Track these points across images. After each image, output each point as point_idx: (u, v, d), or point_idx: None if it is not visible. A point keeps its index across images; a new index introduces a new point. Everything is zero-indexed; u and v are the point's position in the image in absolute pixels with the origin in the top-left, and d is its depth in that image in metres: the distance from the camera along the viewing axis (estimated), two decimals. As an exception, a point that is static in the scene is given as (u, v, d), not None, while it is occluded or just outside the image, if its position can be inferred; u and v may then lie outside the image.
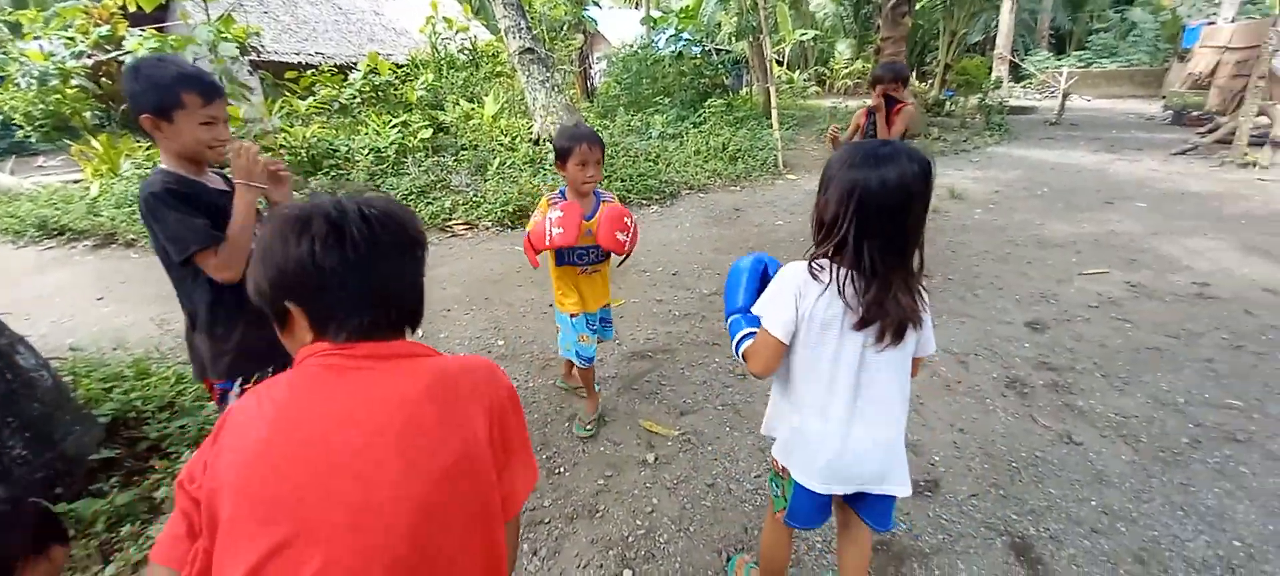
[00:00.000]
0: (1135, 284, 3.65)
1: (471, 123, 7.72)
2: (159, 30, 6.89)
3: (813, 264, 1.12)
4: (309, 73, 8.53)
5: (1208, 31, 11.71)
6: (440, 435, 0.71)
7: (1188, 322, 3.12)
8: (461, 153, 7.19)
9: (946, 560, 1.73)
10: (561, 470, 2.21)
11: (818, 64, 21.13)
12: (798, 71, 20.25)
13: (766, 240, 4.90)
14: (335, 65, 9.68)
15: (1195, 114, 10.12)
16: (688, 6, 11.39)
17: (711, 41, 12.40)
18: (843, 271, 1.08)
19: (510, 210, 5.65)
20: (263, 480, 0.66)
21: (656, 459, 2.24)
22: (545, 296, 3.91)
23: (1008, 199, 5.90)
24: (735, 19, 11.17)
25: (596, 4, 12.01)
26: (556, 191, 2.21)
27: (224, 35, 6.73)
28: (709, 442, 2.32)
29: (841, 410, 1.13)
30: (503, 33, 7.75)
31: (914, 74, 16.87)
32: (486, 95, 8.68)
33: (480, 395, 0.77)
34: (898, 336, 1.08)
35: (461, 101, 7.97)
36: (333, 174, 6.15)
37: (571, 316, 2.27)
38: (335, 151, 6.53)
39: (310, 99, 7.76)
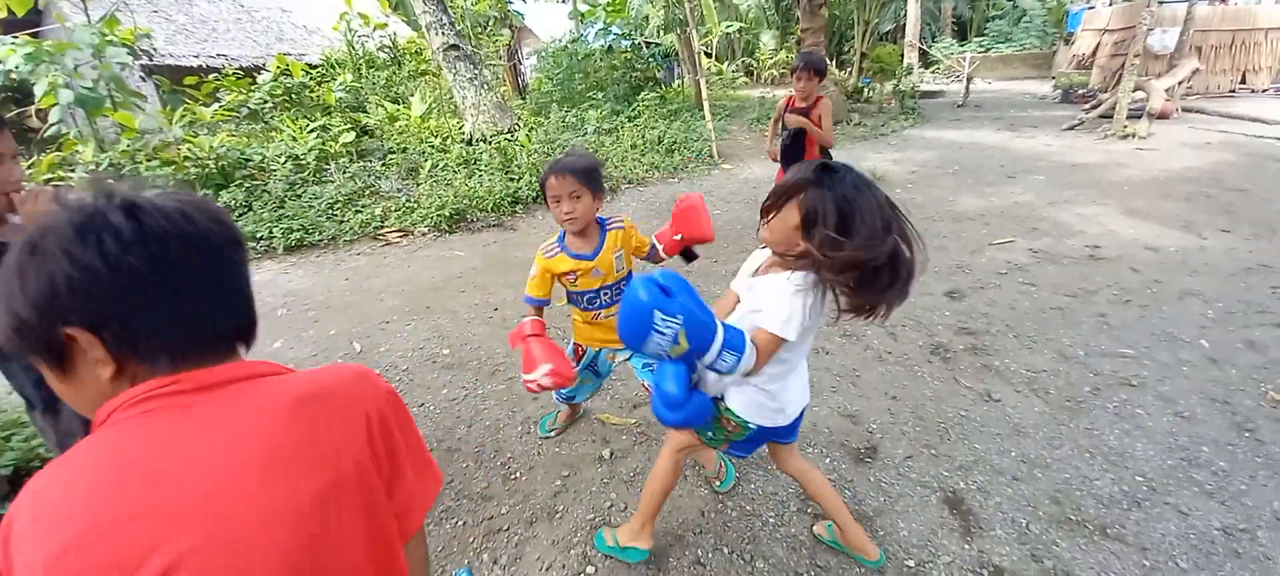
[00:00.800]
0: (1037, 250, 4.01)
1: (398, 124, 7.40)
2: (33, 36, 6.19)
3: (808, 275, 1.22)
4: (211, 77, 7.89)
5: (1088, 16, 12.92)
6: (310, 462, 0.60)
7: (1083, 282, 3.46)
8: (390, 156, 6.89)
9: (888, 520, 1.85)
10: (518, 475, 2.19)
11: (744, 55, 21.69)
12: (726, 63, 20.71)
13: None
14: (241, 67, 8.99)
15: (1081, 92, 11.16)
16: (614, 0, 11.38)
17: (641, 35, 12.46)
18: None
19: (446, 215, 5.48)
20: None
21: (612, 453, 2.26)
22: (490, 300, 3.84)
23: (924, 178, 6.30)
24: (662, 12, 11.29)
25: (521, -2, 11.76)
26: (554, 239, 1.86)
27: (109, 38, 6.13)
28: (662, 431, 2.36)
29: (804, 367, 1.48)
30: (424, 29, 7.48)
31: (834, 62, 17.66)
32: (412, 95, 8.34)
33: (353, 407, 0.67)
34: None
35: (385, 103, 7.61)
36: (247, 186, 5.74)
37: (573, 345, 2.05)
38: (247, 161, 6.09)
39: (216, 105, 7.18)
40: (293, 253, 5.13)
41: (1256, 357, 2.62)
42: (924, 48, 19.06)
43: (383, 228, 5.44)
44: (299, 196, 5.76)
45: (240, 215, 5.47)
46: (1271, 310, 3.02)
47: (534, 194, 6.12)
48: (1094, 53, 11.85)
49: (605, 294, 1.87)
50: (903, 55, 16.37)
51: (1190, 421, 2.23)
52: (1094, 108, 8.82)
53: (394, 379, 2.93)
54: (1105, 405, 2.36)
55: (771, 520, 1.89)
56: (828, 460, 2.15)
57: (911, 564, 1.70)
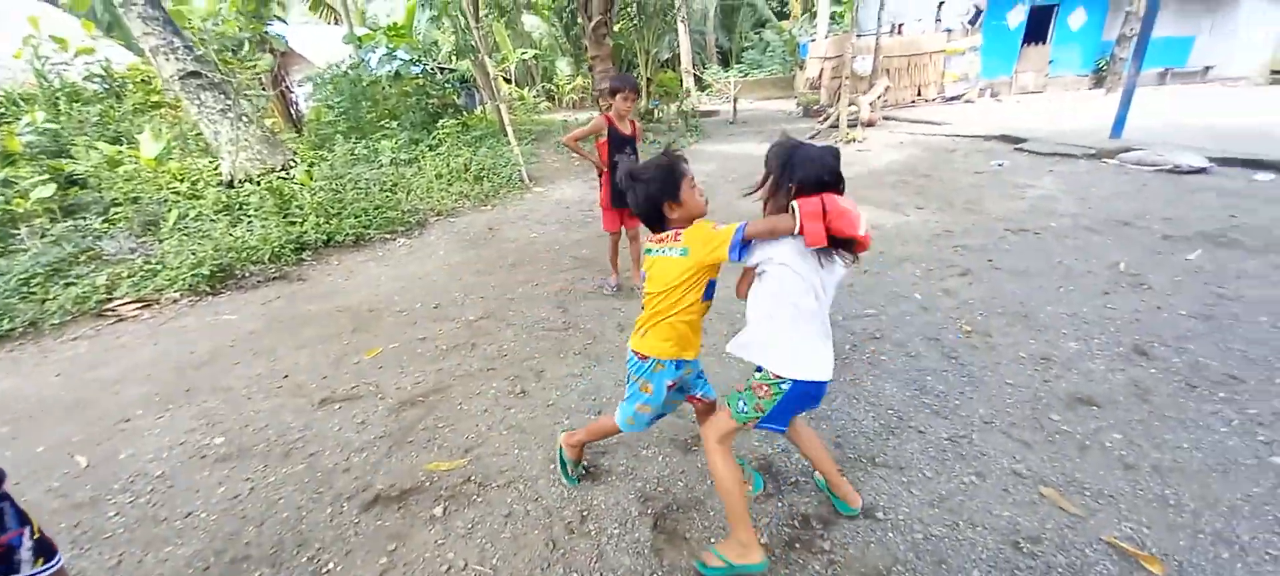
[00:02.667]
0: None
1: (122, 170, 5.95)
2: None
3: None
4: None
5: (813, 46, 15.89)
6: None
7: (837, 261, 4.24)
8: (114, 210, 5.53)
9: (714, 499, 2.04)
10: (332, 566, 1.91)
11: (544, 81, 22.13)
12: (527, 88, 20.86)
13: (526, 254, 4.97)
14: None
15: (816, 108, 13.66)
16: (397, 24, 10.71)
17: (433, 61, 11.89)
18: None
19: (206, 273, 4.57)
20: None
21: (446, 510, 2.11)
22: (277, 367, 3.30)
23: (710, 186, 7.11)
24: (453, 38, 10.94)
25: (281, 19, 10.39)
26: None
27: None
28: (498, 472, 2.28)
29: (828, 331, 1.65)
30: (149, 54, 6.17)
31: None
32: (141, 132, 6.78)
33: None
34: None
35: (99, 144, 6.07)
36: None
37: (667, 364, 1.70)
38: None
39: None
40: (-36, 352, 3.80)
41: (951, 301, 3.48)
42: (698, 73, 21.50)
43: (111, 301, 4.33)
44: (-36, 277, 4.29)
45: None
46: (955, 264, 4.04)
47: (325, 237, 5.44)
48: (820, 76, 14.60)
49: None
50: (682, 80, 18.27)
51: (917, 358, 2.87)
52: (826, 120, 10.86)
53: (144, 492, 2.35)
54: (861, 357, 2.92)
55: (615, 532, 1.94)
56: (660, 456, 2.29)
57: (738, 531, 1.89)
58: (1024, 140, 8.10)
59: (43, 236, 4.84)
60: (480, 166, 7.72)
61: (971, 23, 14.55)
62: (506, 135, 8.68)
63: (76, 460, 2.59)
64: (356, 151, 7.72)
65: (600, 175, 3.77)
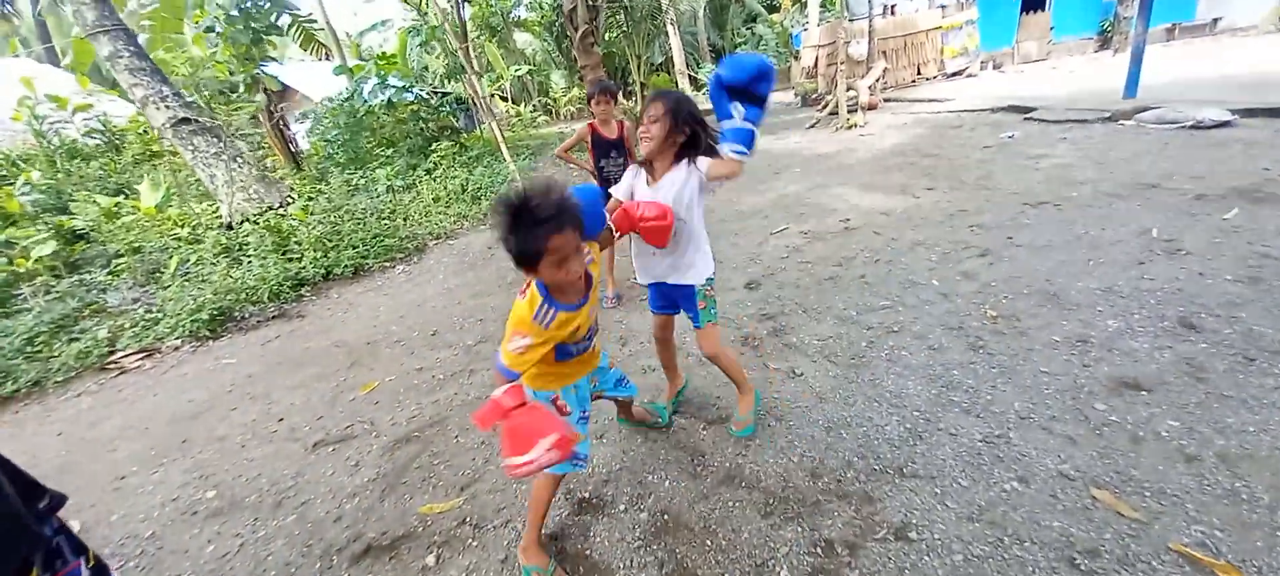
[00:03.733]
0: (807, 232, 4.61)
1: (123, 221, 5.96)
2: None
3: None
4: None
5: (805, 35, 15.67)
6: None
7: (844, 252, 4.05)
8: (117, 261, 5.52)
9: (730, 524, 1.87)
10: (322, 624, 1.78)
11: (540, 95, 22.16)
12: (523, 104, 20.90)
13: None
14: None
15: (814, 96, 13.42)
16: (386, 53, 10.73)
17: (427, 86, 11.90)
18: None
19: (205, 317, 4.51)
20: None
21: (439, 558, 1.96)
22: (271, 411, 3.20)
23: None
24: (445, 61, 10.95)
25: (273, 59, 10.45)
26: (534, 303, 1.46)
27: None
28: (495, 511, 2.13)
29: None
30: (139, 105, 6.18)
31: (622, 92, 18.86)
32: (140, 183, 6.80)
33: None
34: None
35: (98, 198, 6.08)
36: None
37: (554, 398, 1.71)
38: None
39: None
40: (-33, 419, 3.76)
41: (971, 285, 3.27)
42: (692, 73, 21.36)
43: (114, 353, 4.28)
44: (-36, 343, 4.27)
45: None
46: (973, 244, 3.82)
47: (323, 272, 5.38)
48: (815, 64, 14.37)
49: (594, 324, 1.73)
50: (676, 82, 18.12)
51: (940, 351, 2.67)
52: (824, 108, 10.64)
53: (134, 553, 2.24)
54: (879, 355, 2.72)
55: (621, 571, 1.78)
56: (666, 481, 2.12)
57: (756, 561, 1.72)
58: (1033, 109, 7.81)
59: (47, 293, 4.83)
60: (477, 186, 7.64)
61: (967, -4, 14.25)
62: (502, 154, 8.60)
63: (72, 524, 2.49)
64: (354, 182, 7.68)
65: (595, 181, 3.75)
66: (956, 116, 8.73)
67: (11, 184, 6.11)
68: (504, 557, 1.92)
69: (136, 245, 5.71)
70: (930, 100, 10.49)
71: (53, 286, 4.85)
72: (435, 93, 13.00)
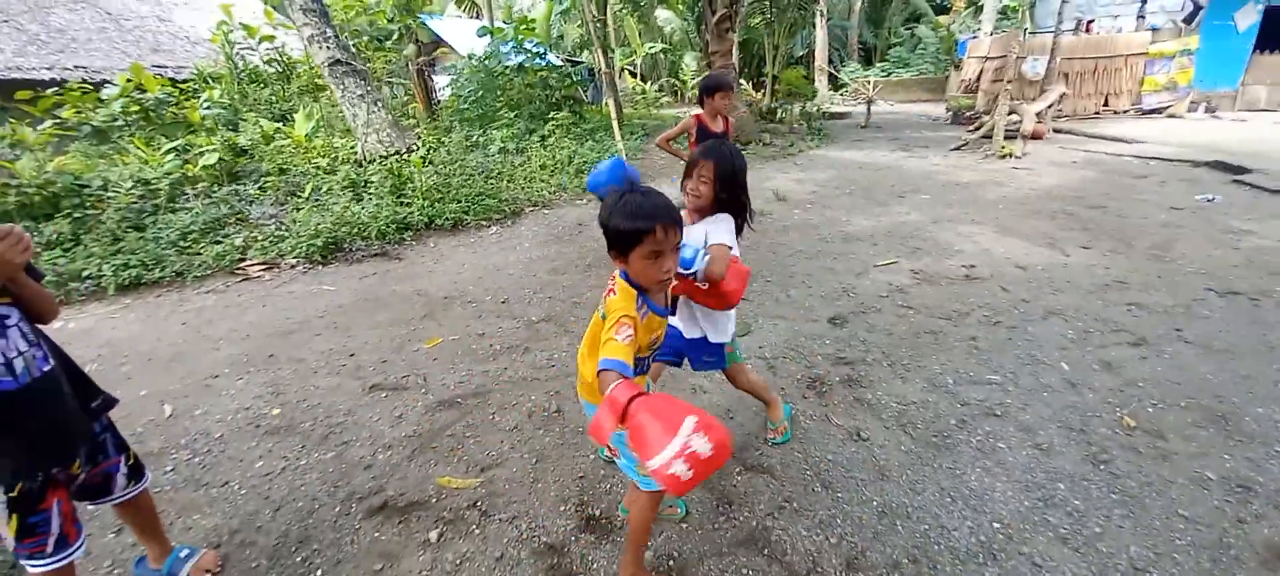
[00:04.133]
0: (918, 271, 4.06)
1: (275, 145, 6.74)
2: None
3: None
4: (51, 92, 6.90)
5: (972, 44, 14.00)
6: None
7: (957, 304, 3.50)
8: (266, 179, 6.25)
9: (738, 598, 1.65)
10: (320, 572, 1.82)
11: (670, 75, 22.06)
12: (650, 82, 20.94)
13: (603, 256, 4.77)
14: (86, 82, 7.96)
15: (968, 114, 12.00)
16: (525, 18, 11.13)
17: (561, 53, 12.25)
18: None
19: (320, 244, 4.96)
20: None
21: (441, 537, 1.94)
22: (347, 344, 3.42)
23: (822, 198, 6.41)
24: (580, 30, 11.17)
25: (431, 14, 11.27)
26: (628, 297, 1.35)
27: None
28: (506, 504, 2.07)
29: None
30: (306, 43, 6.90)
31: (751, 84, 18.21)
32: (298, 113, 7.67)
33: None
34: None
35: (262, 121, 6.93)
36: (76, 216, 4.96)
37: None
38: (83, 188, 5.29)
39: (48, 124, 6.25)
40: (128, 292, 4.46)
41: (1112, 379, 2.67)
42: (833, 71, 20.06)
43: (243, 261, 4.85)
44: (143, 227, 5.05)
45: (65, 250, 4.72)
46: (1126, 328, 3.14)
47: (427, 220, 5.70)
48: (978, 78, 12.81)
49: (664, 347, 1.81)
50: (812, 77, 17.12)
51: (1048, 454, 2.19)
52: (977, 129, 9.43)
53: (201, 451, 2.47)
54: (970, 439, 2.30)
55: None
56: (694, 512, 1.93)
57: (755, 654, 1.49)
58: (1247, 170, 6.33)
59: (207, 198, 5.58)
60: (583, 160, 7.71)
61: (1187, 21, 11.91)
62: (614, 131, 8.62)
63: (164, 409, 2.84)
64: (473, 139, 8.08)
65: None
66: (1142, 163, 7.34)
67: (198, 98, 7.16)
68: (500, 555, 1.85)
69: (283, 167, 6.43)
70: (1113, 139, 8.93)
71: (213, 193, 5.60)
72: (569, 61, 13.38)
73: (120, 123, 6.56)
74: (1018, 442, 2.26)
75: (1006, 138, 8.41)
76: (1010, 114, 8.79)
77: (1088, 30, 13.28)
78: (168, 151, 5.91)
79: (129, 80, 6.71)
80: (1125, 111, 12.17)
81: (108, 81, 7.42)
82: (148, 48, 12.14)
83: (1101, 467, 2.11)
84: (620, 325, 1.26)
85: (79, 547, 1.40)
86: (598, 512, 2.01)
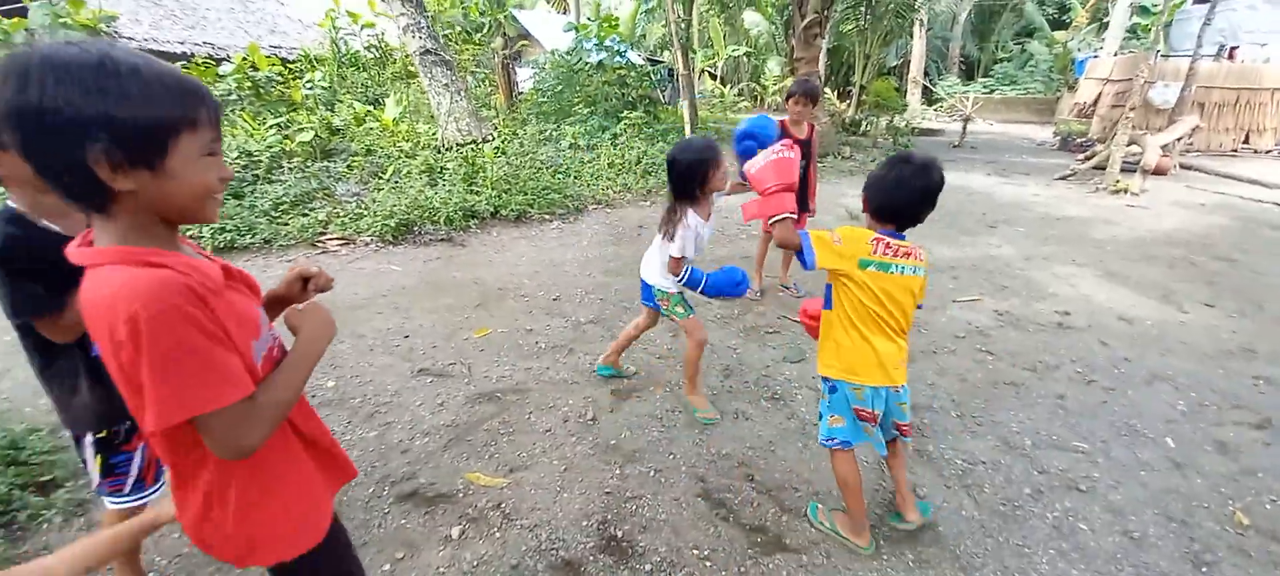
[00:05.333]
0: (1003, 312, 3.69)
1: (365, 127, 7.15)
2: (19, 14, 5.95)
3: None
4: (180, 64, 7.67)
5: (1093, 64, 12.72)
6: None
7: (1045, 354, 3.14)
8: (354, 159, 6.64)
9: (756, 656, 1.52)
10: (345, 552, 1.86)
11: (751, 79, 21.61)
12: (730, 86, 20.60)
13: (661, 261, 4.70)
14: (211, 58, 8.78)
15: (1079, 140, 10.91)
16: (609, 15, 11.22)
17: (640, 51, 12.26)
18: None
19: (393, 225, 5.19)
20: None
21: (463, 534, 1.93)
22: (405, 325, 3.54)
23: (903, 221, 6.00)
24: (663, 29, 11.12)
25: (519, 5, 11.61)
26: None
27: (64, 20, 5.91)
28: (530, 509, 2.04)
29: None
30: (401, 31, 7.27)
31: (836, 94, 17.50)
32: (389, 97, 8.12)
33: (100, 330, 0.73)
34: None
35: (355, 103, 7.38)
36: (189, 180, 5.46)
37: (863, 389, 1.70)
38: (197, 154, 5.81)
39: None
40: (221, 254, 4.85)
41: (1227, 464, 2.29)
42: (929, 84, 18.91)
43: (324, 234, 5.16)
44: (242, 195, 5.49)
45: (176, 211, 5.20)
46: (1249, 405, 2.70)
47: (493, 209, 5.85)
48: (1095, 102, 11.61)
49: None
50: (904, 90, 16.20)
51: (1140, 545, 1.90)
52: (1089, 158, 8.53)
53: (260, 414, 2.62)
54: (1045, 514, 2.03)
55: None
56: (707, 540, 1.82)
57: None
58: None
59: (300, 173, 6.00)
60: (651, 160, 7.66)
61: (1360, 50, 10.24)
62: (691, 131, 8.51)
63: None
64: (546, 133, 8.23)
65: None
66: (1287, 212, 6.37)
67: (301, 78, 7.73)
68: (516, 563, 1.82)
69: (371, 148, 6.81)
70: (1251, 182, 7.82)
71: (306, 168, 6.01)
72: (650, 60, 13.39)
73: (234, 97, 7.20)
74: (1103, 526, 1.98)
75: (1123, 171, 7.54)
76: (1130, 144, 7.88)
77: (1231, 57, 11.72)
78: (270, 127, 6.41)
79: (244, 58, 7.34)
80: (1268, 151, 10.65)
81: (227, 58, 8.15)
82: (266, 28, 13.29)
83: (1203, 571, 1.80)
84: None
85: (155, 491, 1.50)
86: (619, 533, 1.94)
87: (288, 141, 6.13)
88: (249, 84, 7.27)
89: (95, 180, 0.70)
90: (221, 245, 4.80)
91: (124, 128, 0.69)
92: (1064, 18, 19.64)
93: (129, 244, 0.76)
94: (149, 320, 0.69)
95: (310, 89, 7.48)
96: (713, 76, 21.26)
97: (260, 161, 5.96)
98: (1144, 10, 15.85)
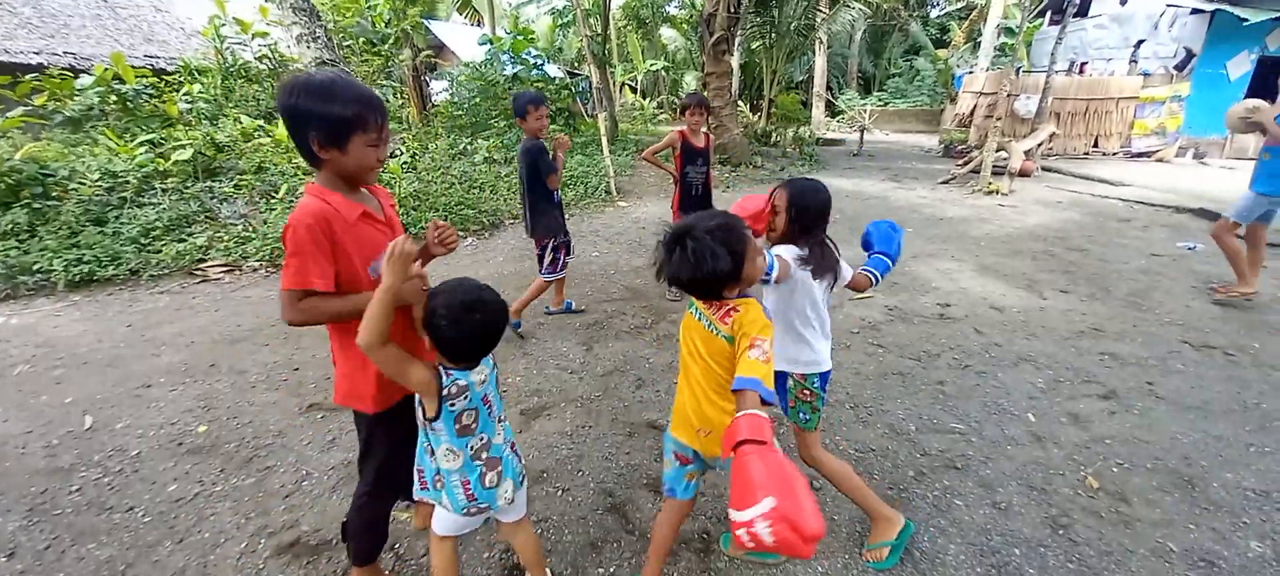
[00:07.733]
0: (892, 307, 3.97)
1: (255, 143, 6.62)
2: None
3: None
4: (29, 77, 6.76)
5: (968, 79, 14.11)
6: None
7: (928, 344, 3.40)
8: (242, 178, 6.12)
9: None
10: (208, 616, 1.67)
11: (670, 93, 22.15)
12: (650, 99, 21.00)
13: (577, 275, 4.67)
14: (69, 68, 7.84)
15: (959, 148, 12.03)
16: (526, 28, 11.12)
17: (562, 65, 12.21)
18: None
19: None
20: None
21: (347, 579, 1.79)
22: (294, 357, 3.28)
23: (808, 226, 6.32)
24: (579, 43, 11.14)
25: (430, 15, 11.23)
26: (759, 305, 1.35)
27: None
28: (424, 550, 1.93)
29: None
30: (294, 40, 6.81)
31: (747, 106, 18.28)
32: (283, 112, 7.55)
33: None
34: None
35: (242, 118, 6.82)
36: (35, 205, 4.80)
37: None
38: (47, 177, 5.14)
39: (19, 110, 6.11)
40: (79, 289, 4.31)
41: (1079, 433, 2.57)
42: (831, 98, 20.20)
43: (203, 261, 4.70)
44: (104, 221, 4.90)
45: (20, 242, 4.56)
46: (1097, 379, 3.04)
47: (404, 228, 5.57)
48: (972, 113, 12.88)
49: None
50: (808, 103, 17.21)
51: (1006, 514, 2.07)
52: (967, 163, 9.43)
53: (113, 470, 2.32)
54: (927, 494, 2.18)
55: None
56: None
57: None
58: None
59: (176, 195, 5.44)
60: (570, 173, 7.63)
61: (1178, 68, 12.02)
62: (610, 144, 8.55)
63: (85, 420, 2.68)
64: (459, 146, 7.99)
65: (676, 185, 4.00)
66: (1127, 207, 7.32)
67: (179, 91, 7.05)
68: (408, 606, 1.71)
69: (262, 166, 6.31)
70: (1100, 181, 8.94)
71: (184, 189, 5.46)
72: (569, 72, 13.35)
73: (95, 112, 6.43)
74: (976, 501, 2.15)
75: (994, 174, 8.38)
76: (999, 150, 8.79)
77: (1081, 71, 13.40)
78: (140, 144, 5.78)
79: (107, 69, 6.58)
80: (1114, 154, 12.24)
81: (89, 70, 7.30)
82: (141, 37, 12.06)
83: (1060, 533, 1.99)
84: (762, 339, 1.20)
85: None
86: (519, 561, 1.87)
87: (161, 160, 5.55)
88: (115, 98, 6.52)
89: (312, 151, 1.23)
90: (77, 279, 4.26)
91: (324, 122, 1.20)
92: (945, 38, 21.68)
93: (320, 186, 1.28)
94: (291, 226, 1.20)
95: (190, 103, 6.82)
96: (633, 89, 21.58)
97: (128, 183, 5.35)
98: (1009, 31, 17.79)
